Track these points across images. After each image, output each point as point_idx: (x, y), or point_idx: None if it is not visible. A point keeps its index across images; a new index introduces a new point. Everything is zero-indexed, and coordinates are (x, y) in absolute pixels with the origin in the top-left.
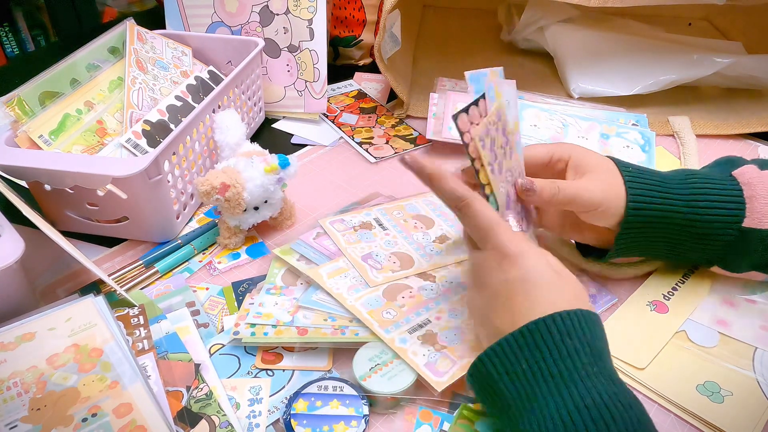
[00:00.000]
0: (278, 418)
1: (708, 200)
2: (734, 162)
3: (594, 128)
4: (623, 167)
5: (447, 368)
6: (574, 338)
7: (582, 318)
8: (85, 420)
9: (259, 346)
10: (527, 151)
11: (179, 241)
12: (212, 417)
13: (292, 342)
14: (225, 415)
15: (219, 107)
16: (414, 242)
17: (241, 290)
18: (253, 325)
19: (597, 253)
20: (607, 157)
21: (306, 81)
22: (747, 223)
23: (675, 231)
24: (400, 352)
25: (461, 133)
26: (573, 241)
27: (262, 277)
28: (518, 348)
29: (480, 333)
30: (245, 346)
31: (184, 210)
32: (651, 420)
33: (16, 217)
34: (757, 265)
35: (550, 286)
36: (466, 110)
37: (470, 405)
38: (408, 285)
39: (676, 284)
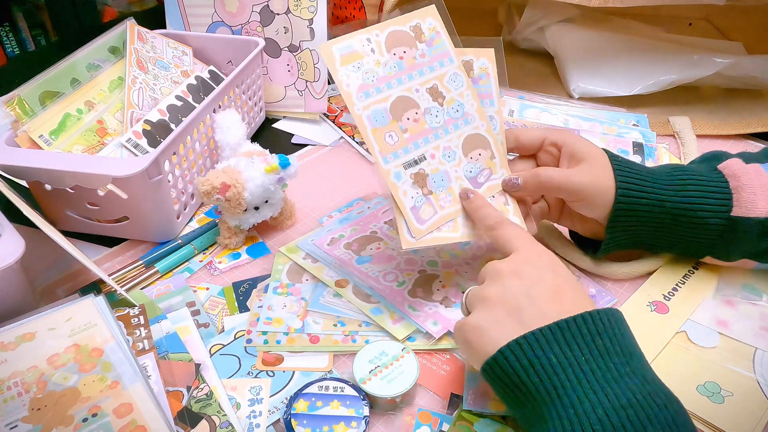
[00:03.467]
0: (278, 418)
1: (696, 190)
2: (719, 156)
3: (594, 128)
4: (613, 158)
5: (428, 216)
6: (605, 338)
7: (611, 317)
8: (85, 420)
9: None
10: (521, 134)
11: (179, 241)
12: (212, 417)
13: (305, 350)
14: (225, 415)
15: (219, 107)
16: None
17: (241, 290)
18: (265, 332)
19: (592, 248)
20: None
21: (306, 81)
22: (736, 212)
23: (665, 220)
24: (392, 188)
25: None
26: (574, 242)
27: (263, 277)
28: (546, 342)
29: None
30: (246, 347)
31: (185, 210)
32: (689, 418)
33: (16, 217)
34: (747, 253)
35: (577, 288)
36: None
37: (468, 410)
38: (417, 102)
39: (677, 284)
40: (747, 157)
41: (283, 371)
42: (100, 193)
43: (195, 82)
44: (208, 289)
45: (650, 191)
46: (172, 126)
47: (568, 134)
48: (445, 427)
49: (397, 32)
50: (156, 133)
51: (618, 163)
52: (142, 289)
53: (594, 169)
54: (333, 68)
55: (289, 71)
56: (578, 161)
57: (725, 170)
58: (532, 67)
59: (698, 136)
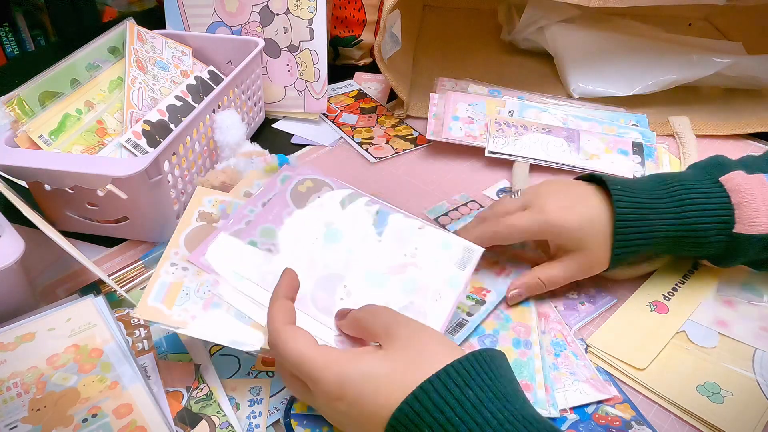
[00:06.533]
0: (278, 419)
1: (697, 209)
2: (721, 165)
3: (594, 128)
4: (616, 200)
5: None
6: (474, 387)
7: (476, 361)
8: (85, 420)
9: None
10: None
11: None
12: (212, 417)
13: None
14: (225, 415)
15: (219, 107)
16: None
17: None
18: None
19: None
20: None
21: (306, 81)
22: (738, 229)
23: (666, 243)
24: None
25: None
26: None
27: None
28: (416, 414)
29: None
30: None
31: (184, 210)
32: None
33: (16, 217)
34: (746, 262)
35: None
36: None
37: None
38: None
39: (676, 284)
40: (750, 164)
41: None
42: (100, 193)
43: (194, 83)
44: None
45: (650, 224)
46: (172, 126)
47: (550, 226)
48: None
49: (194, 231)
50: (155, 133)
51: (617, 202)
52: (142, 289)
53: (592, 244)
54: (167, 320)
55: (288, 71)
56: (569, 251)
57: (727, 184)
58: (532, 67)
59: (698, 136)
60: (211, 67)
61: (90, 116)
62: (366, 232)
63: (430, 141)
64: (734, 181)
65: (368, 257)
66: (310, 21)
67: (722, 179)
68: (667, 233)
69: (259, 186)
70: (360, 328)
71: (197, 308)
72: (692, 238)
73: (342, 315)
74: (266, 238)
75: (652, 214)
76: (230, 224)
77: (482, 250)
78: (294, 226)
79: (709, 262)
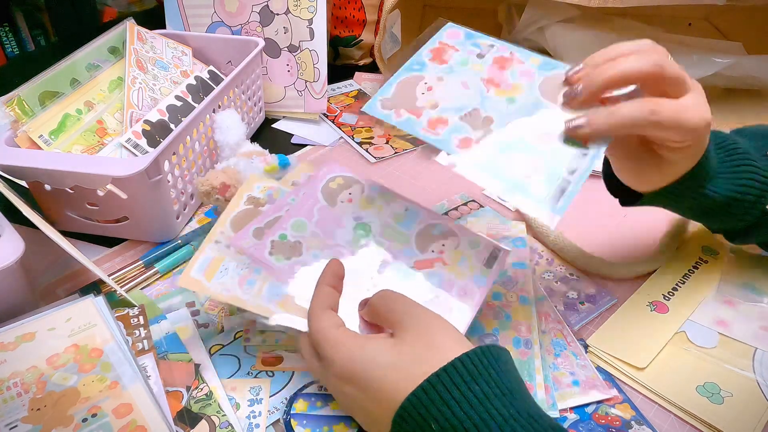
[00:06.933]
0: (278, 419)
1: (748, 179)
2: (767, 137)
3: None
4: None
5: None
6: (481, 382)
7: (483, 356)
8: (85, 420)
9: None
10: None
11: (179, 241)
12: (212, 417)
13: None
14: (225, 415)
15: (219, 107)
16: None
17: None
18: (263, 331)
19: (622, 195)
20: None
21: (306, 81)
22: None
23: (708, 202)
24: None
25: None
26: (577, 245)
27: None
28: (423, 407)
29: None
30: (245, 347)
31: (184, 210)
32: None
33: (16, 217)
34: (761, 242)
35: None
36: None
37: None
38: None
39: (677, 284)
40: None
41: (283, 371)
42: (100, 193)
43: (194, 83)
44: None
45: (702, 180)
46: (172, 126)
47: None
48: None
49: (240, 213)
50: (155, 133)
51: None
52: (141, 289)
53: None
54: (206, 290)
55: (288, 71)
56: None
57: None
58: None
59: None
60: (211, 67)
61: (90, 116)
62: (394, 228)
63: None
64: None
65: (395, 252)
66: (310, 21)
67: None
68: (716, 194)
69: (306, 177)
70: (376, 314)
71: (233, 283)
72: (732, 206)
73: (364, 304)
74: (297, 231)
75: (708, 170)
76: (271, 210)
77: (509, 251)
78: (324, 220)
79: (725, 236)
